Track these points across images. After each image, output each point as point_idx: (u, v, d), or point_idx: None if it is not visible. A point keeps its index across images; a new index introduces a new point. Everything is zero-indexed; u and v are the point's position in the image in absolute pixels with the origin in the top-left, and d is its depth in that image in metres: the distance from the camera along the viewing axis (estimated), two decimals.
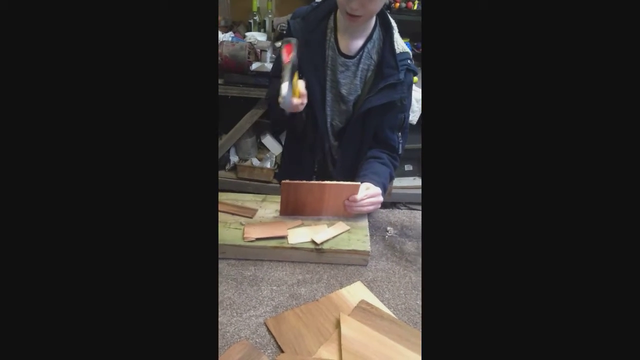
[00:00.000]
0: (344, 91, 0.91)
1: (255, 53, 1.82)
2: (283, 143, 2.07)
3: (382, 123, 0.93)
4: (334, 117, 0.96)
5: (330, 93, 0.92)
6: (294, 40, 0.81)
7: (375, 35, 0.89)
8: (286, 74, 0.78)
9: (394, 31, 0.89)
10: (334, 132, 0.98)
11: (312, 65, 0.89)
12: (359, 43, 0.88)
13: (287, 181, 0.82)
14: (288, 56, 0.80)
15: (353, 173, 0.95)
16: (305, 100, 0.82)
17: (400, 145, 0.98)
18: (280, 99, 0.76)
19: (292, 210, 0.86)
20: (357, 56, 0.89)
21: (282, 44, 0.81)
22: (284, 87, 0.76)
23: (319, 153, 0.99)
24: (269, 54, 1.82)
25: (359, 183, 0.85)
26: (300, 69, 0.88)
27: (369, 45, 0.89)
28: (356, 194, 0.84)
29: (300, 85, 0.81)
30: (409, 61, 0.89)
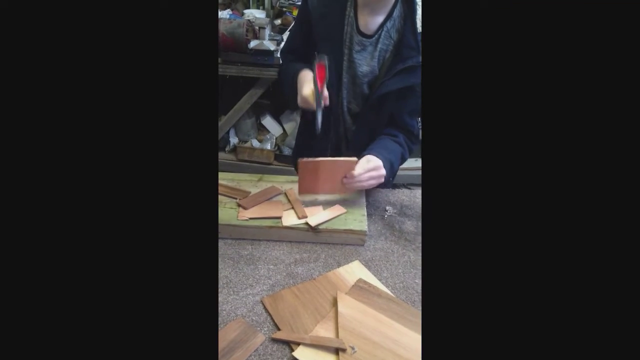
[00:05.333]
0: (360, 73, 0.86)
1: (254, 30, 1.77)
2: (284, 124, 2.05)
3: (401, 108, 0.88)
4: (350, 100, 0.91)
5: (347, 74, 0.87)
6: (325, 60, 0.77)
7: (395, 13, 0.81)
8: (318, 104, 0.77)
9: (418, 7, 0.81)
10: (350, 115, 0.93)
11: (328, 43, 0.85)
12: (378, 20, 0.82)
13: (304, 159, 0.80)
14: (321, 83, 0.76)
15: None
16: (327, 102, 0.80)
17: (421, 132, 0.93)
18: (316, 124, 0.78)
19: (305, 188, 0.86)
20: (376, 35, 0.83)
21: (314, 61, 0.77)
22: (318, 119, 0.77)
23: (334, 137, 0.95)
24: (267, 32, 1.78)
25: (355, 159, 0.81)
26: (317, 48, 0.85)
27: (389, 24, 0.82)
28: (353, 170, 0.81)
29: (325, 91, 0.79)
30: None
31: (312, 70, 0.77)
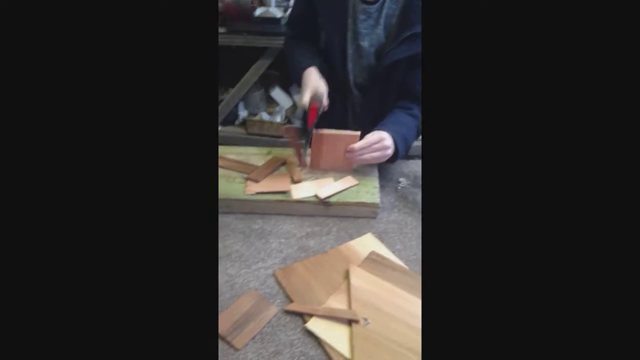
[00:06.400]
0: (365, 43, 0.82)
1: None
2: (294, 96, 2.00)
3: (413, 78, 0.83)
4: (357, 75, 0.87)
5: (352, 45, 0.83)
6: (320, 100, 0.76)
7: None
8: (307, 137, 0.78)
9: None
10: (358, 88, 0.90)
11: (332, 14, 0.81)
12: None
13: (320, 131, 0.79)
14: (312, 121, 0.76)
15: (373, 127, 0.82)
16: (326, 104, 0.79)
17: None
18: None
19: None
20: (380, 1, 0.78)
21: (309, 100, 0.77)
22: (303, 156, 0.81)
23: (340, 111, 0.92)
24: None
25: (357, 132, 0.78)
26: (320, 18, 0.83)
27: None
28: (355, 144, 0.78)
29: (325, 100, 0.79)
30: None
31: (306, 109, 0.77)
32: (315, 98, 0.77)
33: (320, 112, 0.77)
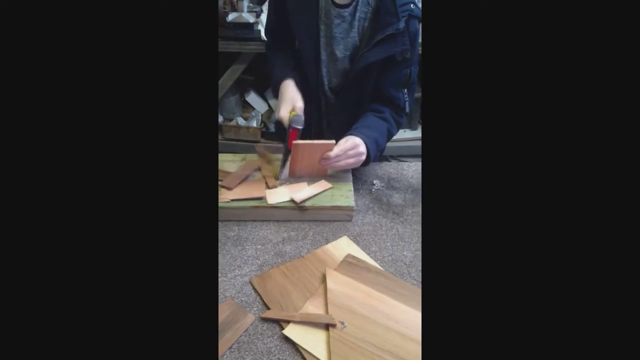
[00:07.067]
0: (340, 47, 0.83)
1: (232, 3, 1.68)
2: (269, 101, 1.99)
3: (385, 80, 0.84)
4: (331, 79, 0.88)
5: (324, 51, 0.84)
6: (300, 126, 0.78)
7: None
8: (285, 156, 0.81)
9: None
10: (333, 93, 0.90)
11: (303, 20, 0.81)
12: None
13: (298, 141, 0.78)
14: (291, 143, 0.78)
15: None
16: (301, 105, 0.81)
17: (407, 104, 0.88)
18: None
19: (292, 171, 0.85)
20: (353, 3, 0.79)
21: (288, 127, 0.78)
22: (282, 173, 0.83)
23: (314, 115, 0.92)
24: (245, 3, 1.69)
25: (332, 141, 0.78)
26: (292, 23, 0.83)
27: None
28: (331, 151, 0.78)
29: (299, 109, 0.80)
30: (412, 5, 0.77)
31: (287, 131, 0.79)
32: (295, 122, 0.78)
33: (299, 136, 0.79)
